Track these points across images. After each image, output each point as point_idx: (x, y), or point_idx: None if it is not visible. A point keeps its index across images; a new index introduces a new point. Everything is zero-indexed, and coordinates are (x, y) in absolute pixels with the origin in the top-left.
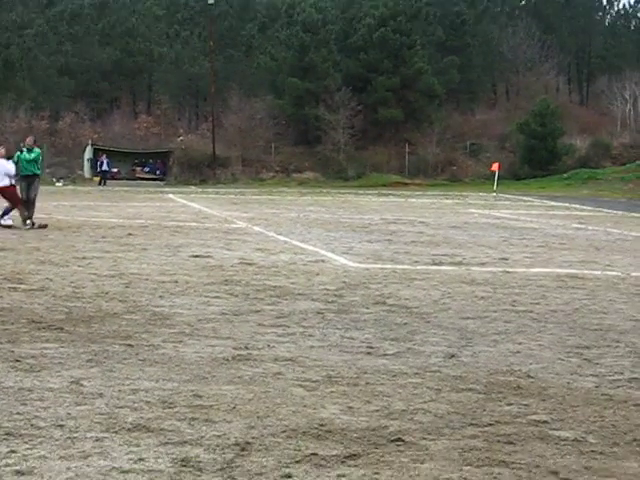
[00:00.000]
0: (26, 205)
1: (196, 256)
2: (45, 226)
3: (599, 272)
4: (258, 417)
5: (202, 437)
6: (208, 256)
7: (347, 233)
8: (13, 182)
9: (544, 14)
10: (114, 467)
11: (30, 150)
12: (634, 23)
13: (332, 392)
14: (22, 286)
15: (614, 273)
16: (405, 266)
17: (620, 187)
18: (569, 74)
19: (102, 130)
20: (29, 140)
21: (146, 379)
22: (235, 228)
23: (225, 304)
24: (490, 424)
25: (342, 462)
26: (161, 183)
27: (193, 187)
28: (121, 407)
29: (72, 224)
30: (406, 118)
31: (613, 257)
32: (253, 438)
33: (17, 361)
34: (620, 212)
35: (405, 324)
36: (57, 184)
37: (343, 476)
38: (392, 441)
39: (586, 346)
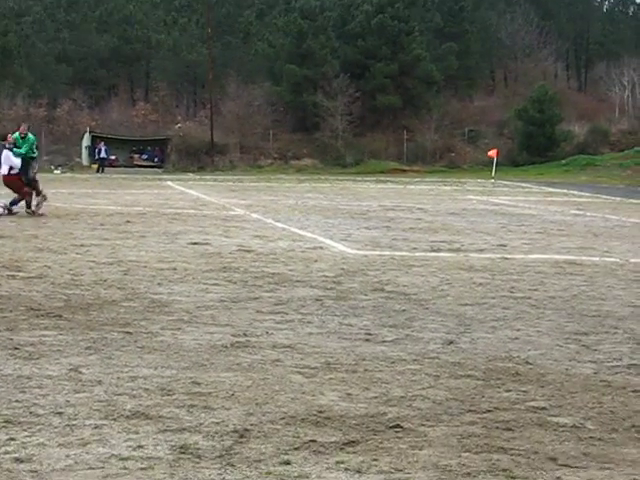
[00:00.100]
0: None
1: (194, 243)
2: (41, 214)
3: (597, 258)
4: (257, 404)
5: (201, 424)
6: (206, 243)
7: (345, 220)
8: (14, 172)
9: (542, 0)
10: (113, 454)
11: (24, 138)
12: (632, 9)
13: (331, 379)
14: (20, 274)
15: (612, 259)
16: (403, 253)
17: (618, 173)
18: (567, 60)
19: (100, 117)
20: (22, 129)
21: (145, 366)
22: (233, 215)
23: (223, 291)
24: (489, 410)
25: (341, 449)
26: (159, 170)
27: (191, 174)
28: (120, 394)
29: (70, 212)
30: (404, 105)
31: (611, 243)
32: (252, 425)
33: (16, 349)
34: (618, 198)
35: (403, 311)
36: (55, 172)
37: (342, 462)
38: (391, 427)
39: (584, 332)
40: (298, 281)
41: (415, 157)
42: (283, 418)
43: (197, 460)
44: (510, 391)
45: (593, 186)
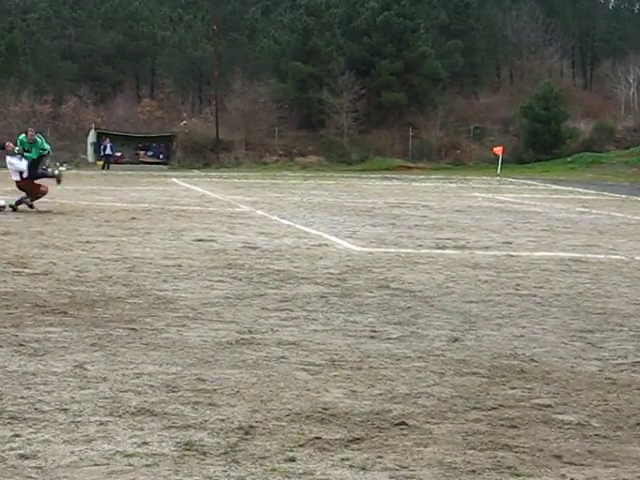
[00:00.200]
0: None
1: (199, 240)
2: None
3: (603, 256)
4: (262, 401)
5: (206, 421)
6: (211, 240)
7: (351, 217)
8: (25, 176)
9: None
10: (118, 451)
11: (33, 143)
12: (638, 6)
13: (336, 376)
14: (26, 270)
15: (618, 257)
16: (409, 250)
17: (624, 171)
18: (573, 57)
19: (105, 114)
20: (30, 135)
21: (150, 363)
22: (238, 212)
23: (229, 288)
24: (494, 408)
25: (345, 446)
26: (164, 167)
27: (196, 171)
28: (125, 391)
29: (76, 208)
30: (410, 102)
31: (617, 241)
32: (257, 422)
33: (21, 345)
34: (624, 196)
35: (409, 308)
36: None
37: (347, 460)
38: (395, 425)
39: (590, 330)
40: (303, 278)
41: (420, 154)
42: (288, 415)
43: (202, 457)
44: (515, 388)
45: (598, 183)
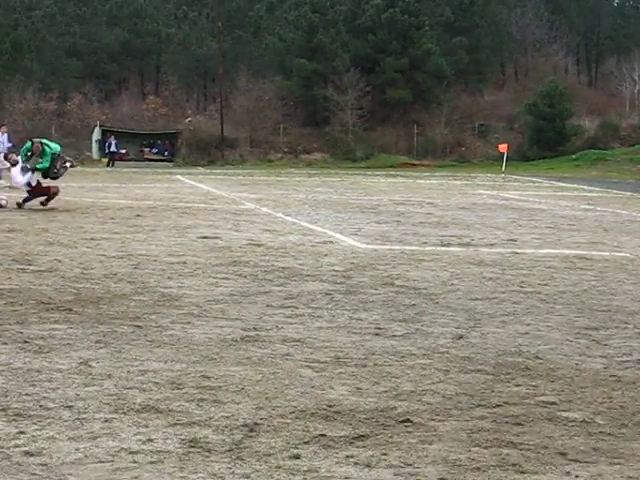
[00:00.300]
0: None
1: (204, 237)
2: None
3: (607, 253)
4: (267, 398)
5: (211, 418)
6: (216, 237)
7: (355, 214)
8: (32, 183)
9: None
10: (123, 448)
11: (42, 152)
12: None
13: (340, 373)
14: (31, 267)
15: (622, 254)
16: (413, 247)
17: (629, 168)
18: (578, 55)
19: (110, 111)
20: (36, 147)
21: (155, 360)
22: (243, 209)
23: (233, 285)
24: (498, 405)
25: (350, 443)
26: (169, 164)
27: (201, 168)
28: (130, 388)
29: (80, 205)
30: (414, 99)
31: (621, 238)
32: (262, 419)
33: (26, 342)
34: (629, 193)
35: (413, 305)
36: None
37: (351, 457)
38: (400, 422)
39: (594, 327)
40: (308, 275)
41: (425, 151)
42: (293, 412)
43: (207, 454)
44: (520, 386)
45: (603, 181)
